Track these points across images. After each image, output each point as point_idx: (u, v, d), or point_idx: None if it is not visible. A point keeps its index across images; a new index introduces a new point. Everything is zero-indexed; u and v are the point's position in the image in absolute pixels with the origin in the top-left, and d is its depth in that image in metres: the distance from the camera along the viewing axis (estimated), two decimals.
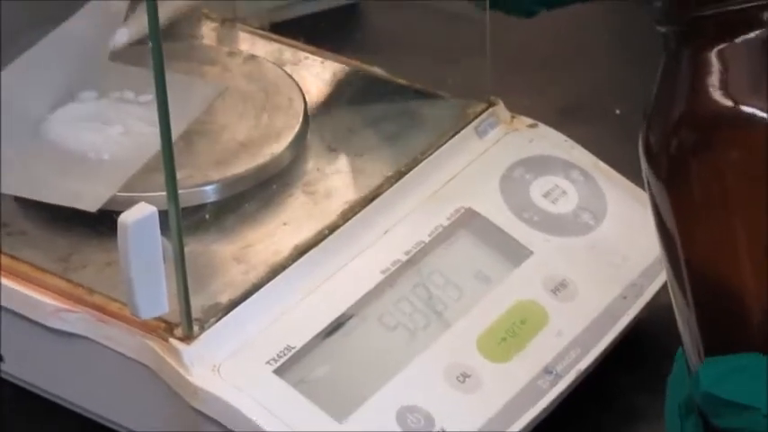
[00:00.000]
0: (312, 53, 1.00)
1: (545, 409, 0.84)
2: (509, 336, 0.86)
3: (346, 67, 0.99)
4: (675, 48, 0.69)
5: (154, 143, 0.80)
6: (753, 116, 0.67)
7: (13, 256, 0.87)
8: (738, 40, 0.67)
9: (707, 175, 0.67)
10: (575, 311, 0.87)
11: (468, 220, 0.89)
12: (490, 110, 0.94)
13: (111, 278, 0.83)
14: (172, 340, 0.82)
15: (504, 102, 0.95)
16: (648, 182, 0.70)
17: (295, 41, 1.01)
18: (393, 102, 0.96)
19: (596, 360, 0.86)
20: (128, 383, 0.84)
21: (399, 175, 0.90)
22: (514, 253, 0.89)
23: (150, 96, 0.84)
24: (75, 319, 0.84)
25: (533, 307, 0.87)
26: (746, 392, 0.66)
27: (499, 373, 0.84)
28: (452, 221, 0.89)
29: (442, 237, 0.89)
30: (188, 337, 0.81)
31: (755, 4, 0.67)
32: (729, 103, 0.67)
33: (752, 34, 0.67)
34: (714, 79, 0.67)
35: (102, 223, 0.85)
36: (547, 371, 0.85)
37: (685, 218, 0.68)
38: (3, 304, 0.86)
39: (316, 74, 0.98)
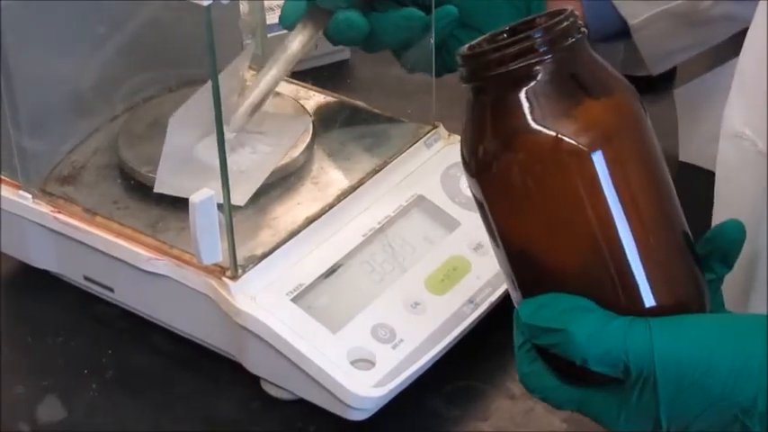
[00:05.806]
0: (318, 92, 0.98)
1: (467, 327, 0.84)
2: (445, 278, 0.85)
3: (340, 101, 0.98)
4: (475, 97, 0.66)
5: (271, 159, 0.82)
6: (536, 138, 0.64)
7: (121, 223, 0.86)
8: (520, 88, 0.64)
9: (502, 176, 0.65)
10: (488, 263, 0.86)
11: (419, 202, 0.89)
12: (434, 130, 0.93)
13: (185, 238, 0.82)
14: (223, 278, 0.81)
15: (444, 125, 0.94)
16: (471, 182, 0.67)
17: (306, 84, 1.00)
18: (370, 124, 0.95)
19: (501, 295, 0.85)
20: (194, 307, 0.84)
21: (374, 172, 0.89)
22: (449, 223, 0.88)
23: (263, 129, 0.87)
24: (161, 265, 0.84)
25: (461, 259, 0.86)
26: (552, 319, 0.64)
27: (438, 303, 0.84)
28: (409, 203, 0.88)
29: (402, 213, 0.88)
30: (234, 277, 0.81)
31: (523, 64, 0.63)
32: (524, 131, 0.64)
33: (530, 84, 0.63)
34: (512, 116, 0.64)
35: (179, 201, 0.84)
36: (469, 301, 0.85)
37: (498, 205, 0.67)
38: (113, 254, 0.85)
39: (320, 105, 0.97)
